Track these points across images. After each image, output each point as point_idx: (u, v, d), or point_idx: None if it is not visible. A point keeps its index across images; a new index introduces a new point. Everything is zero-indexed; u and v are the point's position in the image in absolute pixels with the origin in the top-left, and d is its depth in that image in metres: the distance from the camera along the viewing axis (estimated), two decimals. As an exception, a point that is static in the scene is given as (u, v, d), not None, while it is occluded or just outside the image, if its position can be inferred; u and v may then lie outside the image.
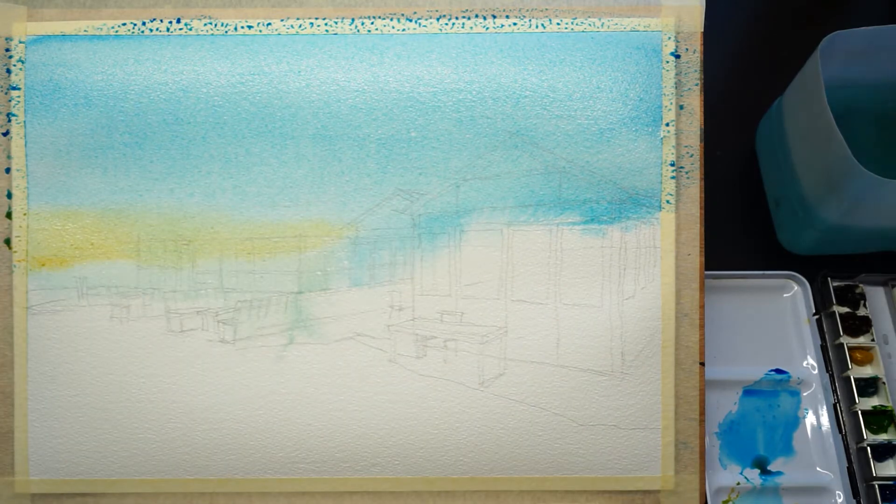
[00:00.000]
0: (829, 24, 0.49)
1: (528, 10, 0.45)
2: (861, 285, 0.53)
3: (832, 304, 0.52)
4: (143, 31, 0.44)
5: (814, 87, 0.46)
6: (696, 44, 0.45)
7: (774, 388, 0.52)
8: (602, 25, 0.45)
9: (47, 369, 0.44)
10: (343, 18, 0.45)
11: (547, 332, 0.45)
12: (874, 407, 0.50)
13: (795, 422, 0.52)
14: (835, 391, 0.51)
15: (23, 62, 0.44)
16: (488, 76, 0.44)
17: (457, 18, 0.45)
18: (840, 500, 0.49)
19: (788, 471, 0.50)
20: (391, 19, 0.45)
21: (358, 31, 0.45)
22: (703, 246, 0.45)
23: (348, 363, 0.45)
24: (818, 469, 0.50)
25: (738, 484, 0.50)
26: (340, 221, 0.45)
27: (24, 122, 0.44)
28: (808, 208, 0.50)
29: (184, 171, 0.44)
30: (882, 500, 0.48)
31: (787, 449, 0.51)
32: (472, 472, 0.45)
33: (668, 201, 0.45)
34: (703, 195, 0.45)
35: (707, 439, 0.50)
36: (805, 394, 0.52)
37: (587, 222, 0.45)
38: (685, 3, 0.45)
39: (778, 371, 0.52)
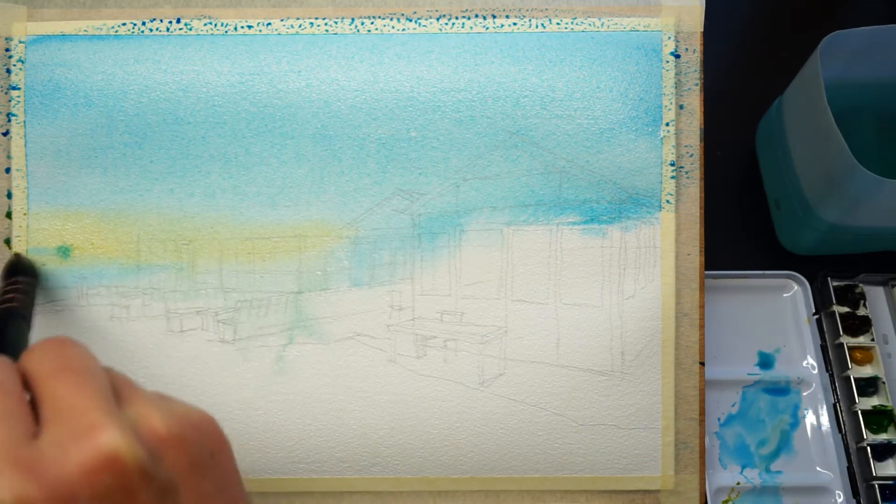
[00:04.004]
0: (829, 24, 0.49)
1: (528, 10, 0.45)
2: (861, 285, 0.53)
3: (832, 303, 0.52)
4: (143, 31, 0.44)
5: (814, 87, 0.46)
6: (696, 44, 0.45)
7: (774, 388, 0.52)
8: (602, 25, 0.45)
9: (47, 369, 0.44)
10: (343, 18, 0.45)
11: (547, 332, 0.45)
12: (874, 407, 0.50)
13: (795, 422, 0.52)
14: (835, 391, 0.51)
15: (23, 62, 0.44)
16: (488, 76, 0.44)
17: (457, 18, 0.45)
18: (840, 500, 0.49)
19: (788, 471, 0.50)
20: (391, 19, 0.45)
21: (358, 31, 0.45)
22: (703, 246, 0.45)
23: (348, 363, 0.45)
24: (818, 469, 0.50)
25: (738, 484, 0.50)
26: (340, 221, 0.45)
27: (24, 122, 0.44)
28: (808, 208, 0.50)
29: (184, 171, 0.44)
30: (882, 500, 0.48)
31: (787, 449, 0.51)
32: (472, 472, 0.45)
33: (668, 201, 0.45)
34: (703, 195, 0.45)
35: (707, 439, 0.50)
36: (805, 394, 0.52)
37: (587, 222, 0.45)
38: (685, 3, 0.45)
39: (777, 371, 0.52)
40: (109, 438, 0.23)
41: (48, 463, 0.23)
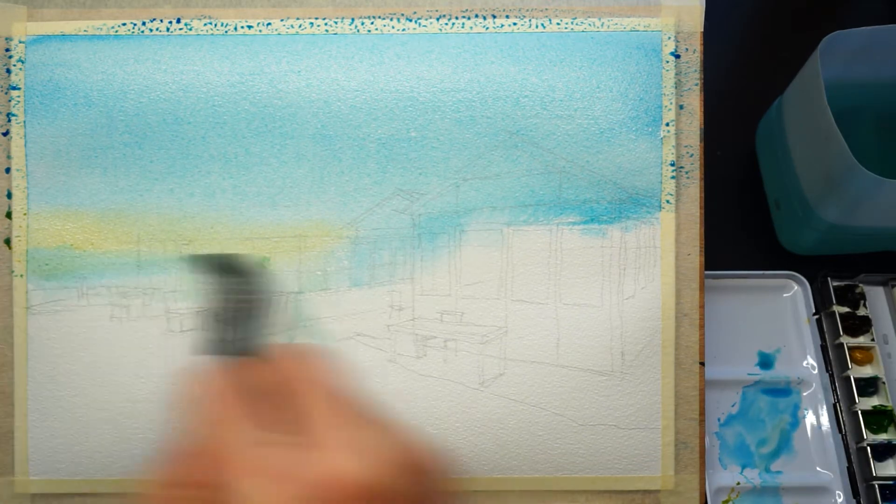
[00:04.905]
0: (829, 24, 0.49)
1: (528, 10, 0.45)
2: (861, 285, 0.53)
3: (832, 304, 0.52)
4: (143, 31, 0.44)
5: (814, 87, 0.46)
6: (696, 44, 0.45)
7: (774, 388, 0.52)
8: (602, 25, 0.45)
9: (47, 369, 0.44)
10: (343, 18, 0.45)
11: (547, 332, 0.45)
12: (874, 407, 0.50)
13: (795, 422, 0.52)
14: (835, 391, 0.51)
15: (23, 62, 0.44)
16: (488, 76, 0.44)
17: (457, 18, 0.45)
18: (840, 500, 0.49)
19: (788, 471, 0.50)
20: (391, 19, 0.45)
21: (358, 31, 0.45)
22: (703, 246, 0.45)
23: (348, 363, 0.45)
24: (818, 469, 0.50)
25: (738, 484, 0.50)
26: (340, 221, 0.45)
27: (24, 122, 0.44)
28: (808, 208, 0.50)
29: (184, 171, 0.44)
30: (882, 500, 0.48)
31: (787, 449, 0.51)
32: (472, 472, 0.45)
33: (668, 201, 0.45)
34: (703, 195, 0.45)
35: (707, 439, 0.50)
36: (805, 394, 0.52)
37: (587, 222, 0.45)
38: (685, 3, 0.45)
39: (777, 371, 0.52)
40: (339, 461, 0.24)
41: (281, 470, 0.24)
